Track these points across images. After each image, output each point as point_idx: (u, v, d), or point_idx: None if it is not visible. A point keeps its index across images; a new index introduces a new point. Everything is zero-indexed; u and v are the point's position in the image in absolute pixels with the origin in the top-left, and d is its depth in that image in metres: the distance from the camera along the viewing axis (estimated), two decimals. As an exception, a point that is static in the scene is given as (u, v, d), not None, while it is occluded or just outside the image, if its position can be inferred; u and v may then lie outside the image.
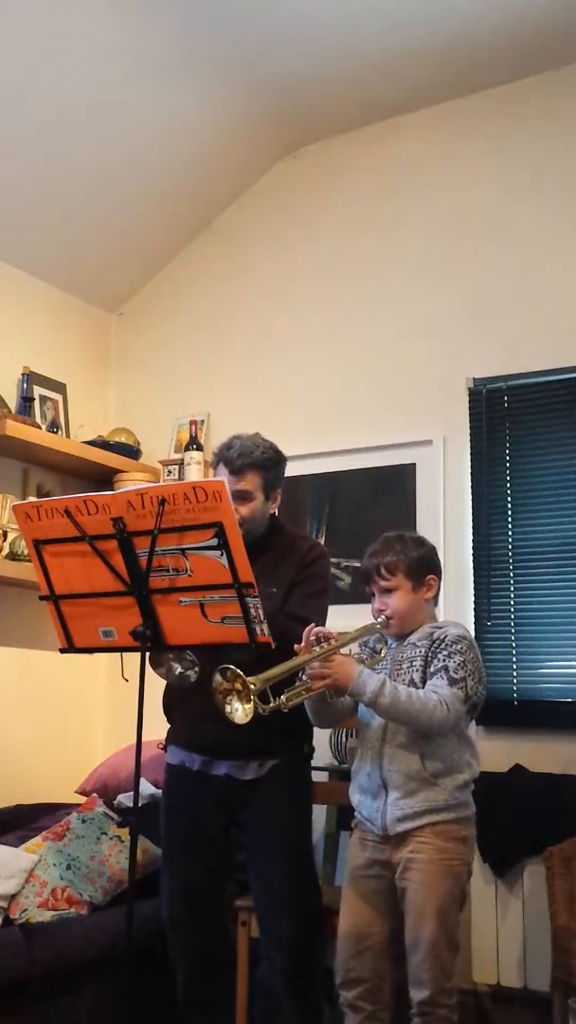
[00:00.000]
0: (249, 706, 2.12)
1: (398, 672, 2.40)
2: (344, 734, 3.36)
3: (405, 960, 2.31)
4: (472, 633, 3.36)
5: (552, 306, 3.53)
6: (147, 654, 2.20)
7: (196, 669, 2.29)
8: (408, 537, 2.53)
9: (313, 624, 2.32)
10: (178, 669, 2.31)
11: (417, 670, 2.37)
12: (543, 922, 2.83)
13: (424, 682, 2.35)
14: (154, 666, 2.30)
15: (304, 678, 2.29)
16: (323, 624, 2.41)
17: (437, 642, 2.38)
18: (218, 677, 2.13)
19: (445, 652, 2.35)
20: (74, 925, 2.78)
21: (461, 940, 2.36)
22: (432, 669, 2.35)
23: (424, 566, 2.48)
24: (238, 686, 2.13)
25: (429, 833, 2.30)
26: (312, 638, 2.28)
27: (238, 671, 2.12)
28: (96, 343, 4.46)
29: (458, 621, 2.61)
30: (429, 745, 2.32)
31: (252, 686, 2.10)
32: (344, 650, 2.33)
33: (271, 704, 2.17)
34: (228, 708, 2.14)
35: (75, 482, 4.01)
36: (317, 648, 2.26)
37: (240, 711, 2.13)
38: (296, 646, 2.28)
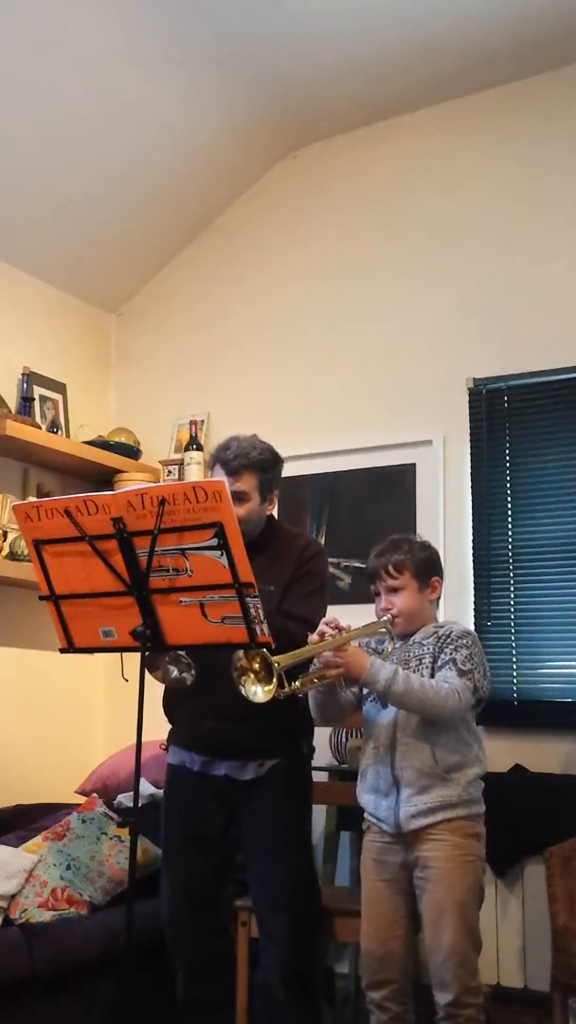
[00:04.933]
0: (269, 687, 2.11)
1: (407, 669, 2.40)
2: (344, 734, 3.36)
3: (425, 959, 2.31)
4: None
5: (552, 306, 3.53)
6: (145, 657, 2.20)
7: (193, 672, 2.29)
8: (414, 539, 2.57)
9: (333, 618, 2.32)
10: (174, 672, 2.31)
11: (427, 667, 2.39)
12: (543, 922, 2.83)
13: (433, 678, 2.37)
14: (150, 670, 2.29)
15: (317, 664, 2.29)
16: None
17: (443, 638, 2.41)
18: (239, 652, 2.13)
19: (452, 646, 2.38)
20: (74, 925, 2.78)
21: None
22: (439, 663, 2.38)
23: (430, 568, 2.52)
24: (256, 666, 2.13)
25: (445, 830, 2.30)
26: (329, 630, 2.28)
27: (262, 649, 2.11)
28: (96, 343, 4.46)
29: (459, 622, 2.62)
30: (441, 738, 2.33)
31: (276, 665, 2.11)
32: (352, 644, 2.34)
33: (285, 688, 2.16)
34: (245, 689, 2.13)
35: (75, 482, 4.01)
36: (329, 637, 2.27)
37: (260, 692, 2.13)
38: (310, 636, 2.28)
